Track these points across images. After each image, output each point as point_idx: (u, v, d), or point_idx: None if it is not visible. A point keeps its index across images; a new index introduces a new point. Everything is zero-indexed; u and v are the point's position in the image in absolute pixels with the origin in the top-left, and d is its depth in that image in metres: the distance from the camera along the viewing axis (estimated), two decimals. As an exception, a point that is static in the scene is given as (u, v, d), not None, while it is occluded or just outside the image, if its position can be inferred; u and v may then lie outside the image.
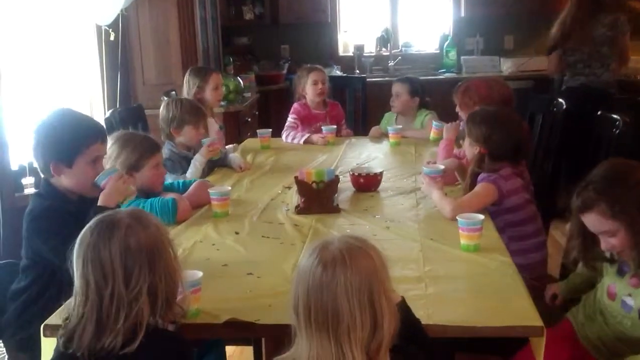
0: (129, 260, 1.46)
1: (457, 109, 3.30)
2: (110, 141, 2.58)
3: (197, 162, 3.24)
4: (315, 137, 4.05)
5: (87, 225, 1.51)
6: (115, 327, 1.44)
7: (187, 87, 3.93)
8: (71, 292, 1.53)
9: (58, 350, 1.51)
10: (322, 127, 4.11)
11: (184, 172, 3.23)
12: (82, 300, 1.48)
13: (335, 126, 4.14)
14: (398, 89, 4.24)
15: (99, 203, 2.16)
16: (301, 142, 4.06)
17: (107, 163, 2.52)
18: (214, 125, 3.86)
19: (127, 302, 1.45)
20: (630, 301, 1.91)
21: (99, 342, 1.44)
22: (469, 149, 2.70)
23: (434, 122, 3.92)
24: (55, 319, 1.68)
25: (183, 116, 3.33)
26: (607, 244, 1.88)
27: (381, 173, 2.96)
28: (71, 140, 2.15)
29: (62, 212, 2.11)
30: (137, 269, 1.46)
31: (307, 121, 4.26)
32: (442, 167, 2.80)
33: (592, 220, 1.87)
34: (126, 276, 1.45)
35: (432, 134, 3.88)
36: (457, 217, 2.19)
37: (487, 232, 2.28)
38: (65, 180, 2.16)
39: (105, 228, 1.48)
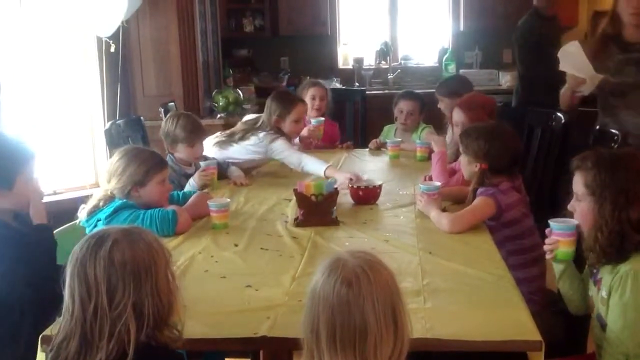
0: (112, 275, 1.44)
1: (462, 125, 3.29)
2: (116, 155, 2.59)
3: (190, 187, 3.16)
4: (305, 131, 4.03)
5: (80, 241, 1.51)
6: (100, 344, 1.42)
7: (267, 112, 3.61)
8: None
9: None
10: (311, 120, 4.10)
11: (181, 188, 3.19)
12: (67, 317, 1.47)
13: (323, 119, 4.14)
14: (411, 107, 4.20)
15: (35, 222, 2.22)
16: (296, 142, 4.03)
17: (113, 177, 2.53)
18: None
19: (111, 318, 1.43)
20: (601, 309, 1.93)
21: (86, 359, 1.43)
22: (468, 167, 2.68)
23: (417, 141, 3.93)
24: (50, 331, 1.67)
25: (176, 134, 3.27)
26: (572, 206, 1.98)
27: (380, 186, 2.97)
28: (10, 162, 2.17)
29: None
30: (120, 285, 1.44)
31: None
32: (438, 183, 2.80)
33: (576, 180, 1.95)
34: (109, 291, 1.43)
35: (419, 153, 3.84)
36: (550, 222, 2.04)
37: (485, 246, 2.29)
38: (6, 204, 2.17)
39: (93, 244, 1.47)
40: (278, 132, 3.56)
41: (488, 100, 3.29)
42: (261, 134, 3.54)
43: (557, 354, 2.00)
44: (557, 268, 2.09)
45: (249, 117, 3.96)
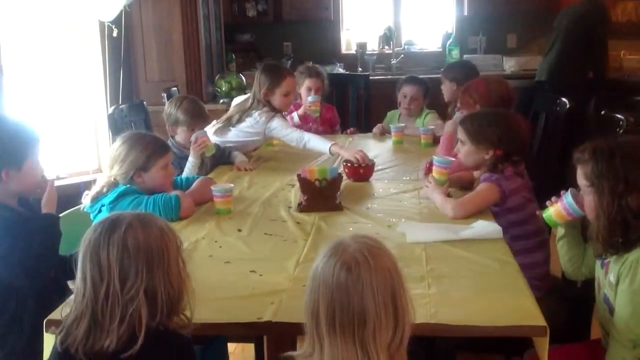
0: (125, 259, 1.45)
1: (460, 108, 3.29)
2: (118, 141, 2.59)
3: (190, 164, 3.16)
4: (302, 109, 4.07)
5: (93, 224, 1.52)
6: (111, 327, 1.44)
7: (257, 85, 3.59)
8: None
9: (55, 349, 1.51)
10: (308, 98, 4.09)
11: (183, 172, 3.19)
12: (79, 299, 1.48)
13: (319, 96, 4.12)
14: (414, 92, 4.18)
15: (44, 210, 2.21)
16: (296, 121, 4.07)
17: (116, 163, 2.53)
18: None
19: (123, 302, 1.44)
20: (608, 293, 1.93)
21: (96, 342, 1.44)
22: (475, 155, 2.63)
23: (421, 129, 3.91)
24: (57, 314, 1.68)
25: (177, 116, 3.28)
26: (583, 199, 1.98)
27: (373, 164, 3.06)
28: (21, 142, 2.16)
29: None
30: (133, 269, 1.45)
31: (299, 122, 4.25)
32: (452, 158, 2.76)
33: (577, 173, 1.95)
34: (122, 275, 1.45)
35: (423, 140, 3.82)
36: (570, 189, 2.05)
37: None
38: (13, 185, 2.16)
39: (107, 227, 1.49)
40: (269, 107, 3.55)
41: (492, 94, 3.15)
42: (256, 114, 3.54)
43: (560, 340, 2.00)
44: (560, 231, 2.12)
45: (238, 99, 3.98)
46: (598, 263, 2.01)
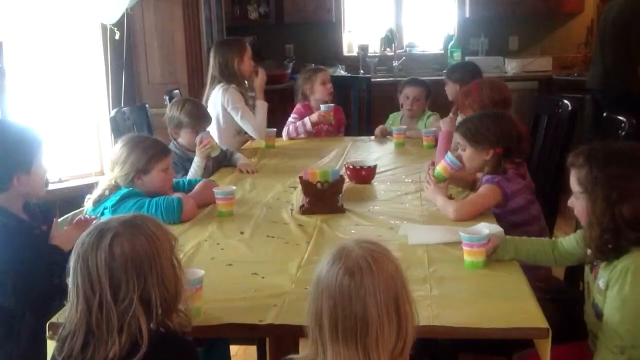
0: (114, 270, 1.43)
1: (459, 111, 3.29)
2: (119, 143, 2.60)
3: (196, 165, 3.20)
4: (315, 116, 4.12)
5: (82, 235, 1.50)
6: (110, 338, 1.42)
7: (224, 61, 3.86)
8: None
9: (53, 356, 1.51)
10: (321, 106, 4.14)
11: (186, 173, 3.21)
12: (73, 312, 1.46)
13: (332, 105, 4.17)
14: (416, 93, 4.20)
15: (55, 242, 2.18)
16: (308, 127, 4.13)
17: (117, 165, 2.53)
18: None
19: (118, 312, 1.42)
20: (597, 298, 1.91)
21: (96, 354, 1.43)
22: (477, 157, 2.63)
23: (423, 130, 3.92)
24: (57, 319, 1.67)
25: (181, 118, 3.31)
26: (571, 202, 1.96)
27: (375, 166, 3.09)
28: (27, 147, 2.16)
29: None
30: (124, 279, 1.43)
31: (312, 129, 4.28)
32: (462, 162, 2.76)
33: (571, 177, 1.92)
34: (113, 286, 1.43)
35: (425, 142, 3.83)
36: (460, 233, 2.06)
37: (492, 234, 2.28)
38: (23, 188, 2.16)
39: (94, 237, 1.46)
40: (224, 80, 3.80)
41: (484, 98, 3.12)
42: (213, 92, 3.79)
43: (562, 341, 1.99)
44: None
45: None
46: (587, 268, 2.00)
